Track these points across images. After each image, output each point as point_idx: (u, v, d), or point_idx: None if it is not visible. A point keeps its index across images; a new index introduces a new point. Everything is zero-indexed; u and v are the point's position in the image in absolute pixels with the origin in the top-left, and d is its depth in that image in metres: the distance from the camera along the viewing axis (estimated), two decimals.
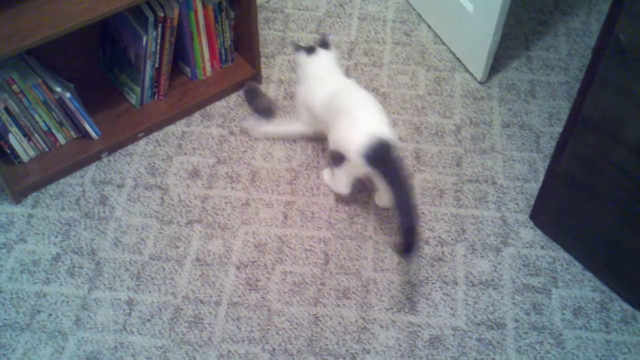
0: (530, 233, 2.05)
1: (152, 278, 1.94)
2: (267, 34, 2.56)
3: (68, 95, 2.05)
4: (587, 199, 1.87)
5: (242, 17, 2.28)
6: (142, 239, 2.02)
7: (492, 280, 1.95)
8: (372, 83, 2.41)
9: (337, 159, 1.98)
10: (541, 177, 2.08)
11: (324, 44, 2.15)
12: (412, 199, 1.84)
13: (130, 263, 1.97)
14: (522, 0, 2.70)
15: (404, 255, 1.90)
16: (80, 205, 2.09)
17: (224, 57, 2.37)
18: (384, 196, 2.03)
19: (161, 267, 1.96)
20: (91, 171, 2.17)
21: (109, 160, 2.20)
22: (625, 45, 1.57)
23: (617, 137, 1.70)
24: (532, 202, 2.08)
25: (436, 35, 2.57)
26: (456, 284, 1.95)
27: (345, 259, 1.99)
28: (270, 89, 2.39)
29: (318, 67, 2.13)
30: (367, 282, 1.94)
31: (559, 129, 2.24)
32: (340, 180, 2.04)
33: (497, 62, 2.46)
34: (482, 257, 2.00)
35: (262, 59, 2.42)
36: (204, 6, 2.19)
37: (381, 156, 1.86)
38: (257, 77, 2.39)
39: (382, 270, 1.97)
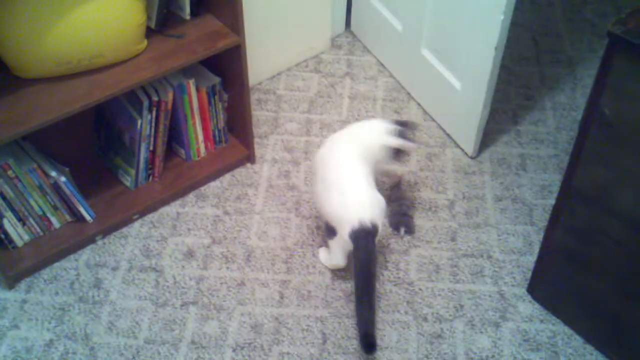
0: (528, 307, 2.04)
1: None
2: (260, 115, 2.60)
3: (63, 179, 2.06)
4: (584, 271, 1.87)
5: (235, 98, 2.32)
6: (136, 323, 1.99)
7: (493, 356, 1.93)
8: None
9: (330, 230, 1.98)
10: (536, 250, 2.08)
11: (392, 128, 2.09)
12: (373, 300, 1.87)
13: (124, 347, 1.93)
14: (508, 76, 2.77)
15: (366, 352, 1.90)
16: (75, 290, 2.07)
17: (217, 139, 2.41)
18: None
19: (156, 351, 1.93)
20: (85, 254, 2.16)
21: (104, 243, 2.19)
22: (610, 119, 1.60)
23: (609, 210, 1.71)
24: (528, 276, 2.07)
25: (425, 112, 2.62)
26: None
27: (343, 338, 1.96)
28: (264, 169, 2.42)
29: (342, 131, 2.14)
30: None
31: (551, 201, 2.25)
32: (334, 252, 2.03)
33: (487, 137, 2.50)
34: (482, 332, 1.98)
35: (256, 139, 2.45)
36: (198, 89, 2.24)
37: (363, 243, 1.88)
38: (250, 157, 2.42)
39: (381, 349, 1.94)
